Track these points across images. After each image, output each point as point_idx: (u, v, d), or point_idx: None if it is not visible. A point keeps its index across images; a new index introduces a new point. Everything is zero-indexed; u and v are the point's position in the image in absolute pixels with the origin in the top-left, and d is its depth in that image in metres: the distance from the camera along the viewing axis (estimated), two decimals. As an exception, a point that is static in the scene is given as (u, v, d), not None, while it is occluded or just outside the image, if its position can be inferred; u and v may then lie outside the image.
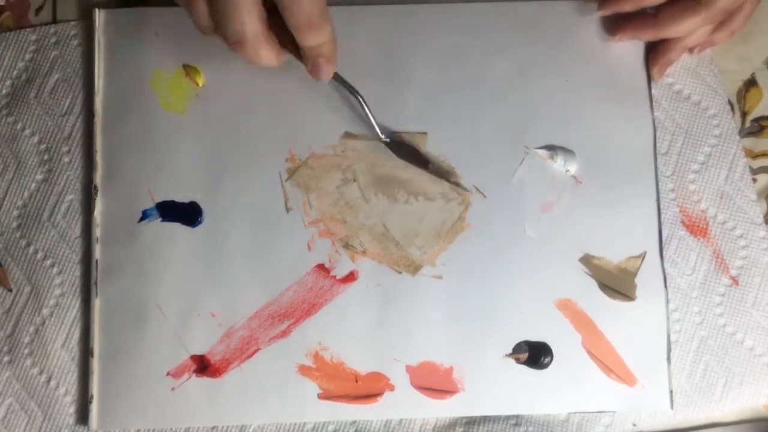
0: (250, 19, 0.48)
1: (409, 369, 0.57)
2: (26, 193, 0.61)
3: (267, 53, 0.51)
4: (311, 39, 0.50)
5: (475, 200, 0.59)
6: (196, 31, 0.51)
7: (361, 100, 0.57)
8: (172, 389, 0.58)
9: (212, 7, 0.49)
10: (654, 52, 0.59)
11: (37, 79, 0.61)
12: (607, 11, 0.59)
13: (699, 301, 0.58)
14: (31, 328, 0.59)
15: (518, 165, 0.59)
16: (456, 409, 0.57)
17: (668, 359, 0.57)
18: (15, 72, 0.62)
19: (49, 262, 0.60)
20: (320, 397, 0.57)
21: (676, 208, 0.59)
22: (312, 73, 0.53)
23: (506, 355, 0.57)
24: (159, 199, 0.59)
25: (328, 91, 0.59)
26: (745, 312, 0.58)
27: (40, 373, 0.59)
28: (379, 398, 0.57)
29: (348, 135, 0.59)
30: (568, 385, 0.57)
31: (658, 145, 0.59)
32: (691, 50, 0.60)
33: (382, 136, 0.59)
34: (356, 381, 0.57)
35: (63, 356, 0.59)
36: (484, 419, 0.58)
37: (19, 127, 0.61)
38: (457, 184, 0.59)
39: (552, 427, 0.58)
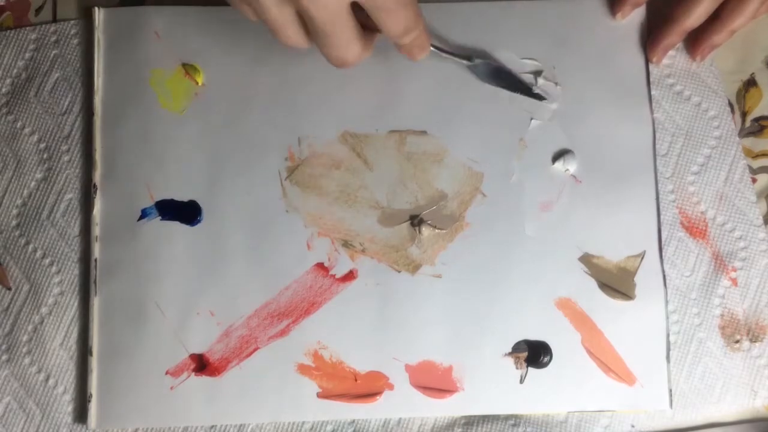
0: (352, 46, 0.49)
1: (408, 368, 0.57)
2: (25, 192, 0.61)
3: (363, 58, 0.51)
4: (407, 38, 0.51)
5: (475, 199, 0.59)
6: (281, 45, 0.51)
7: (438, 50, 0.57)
8: (171, 388, 0.58)
9: (312, 34, 0.48)
10: (653, 37, 0.60)
11: (37, 78, 0.62)
12: (661, 55, 0.60)
13: (698, 303, 0.58)
14: (30, 327, 0.59)
15: (518, 164, 0.59)
16: (455, 408, 0.57)
17: (667, 358, 0.57)
18: (15, 71, 0.62)
19: (48, 260, 0.60)
20: (319, 396, 0.57)
21: (675, 210, 0.59)
22: (408, 57, 0.54)
23: (506, 355, 0.57)
24: (158, 197, 0.59)
25: (328, 89, 0.59)
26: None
27: (39, 371, 0.59)
28: (378, 397, 0.57)
29: (348, 133, 0.60)
30: (568, 384, 0.57)
31: (657, 146, 0.59)
32: (694, 57, 0.60)
33: (464, 62, 0.59)
34: (355, 380, 0.57)
35: (62, 355, 0.59)
36: (483, 419, 0.58)
37: (18, 125, 0.61)
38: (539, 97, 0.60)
39: (551, 427, 0.57)
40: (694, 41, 0.59)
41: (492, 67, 0.60)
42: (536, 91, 0.59)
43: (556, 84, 0.60)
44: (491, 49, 0.60)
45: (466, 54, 0.59)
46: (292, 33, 0.48)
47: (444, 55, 0.58)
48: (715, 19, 0.58)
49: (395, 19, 0.48)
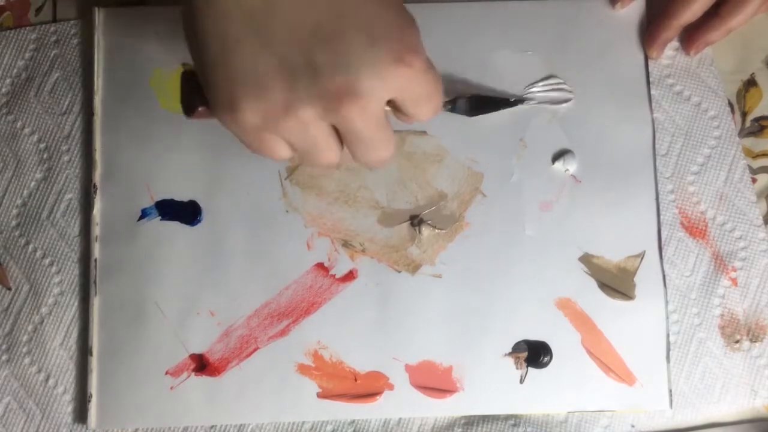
0: (390, 145, 0.45)
1: (408, 368, 0.57)
2: (25, 192, 0.61)
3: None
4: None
5: (475, 199, 0.59)
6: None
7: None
8: (171, 388, 0.58)
9: (350, 144, 0.44)
10: (650, 31, 0.60)
11: (37, 78, 0.62)
12: (659, 50, 0.60)
13: (698, 303, 0.58)
14: (30, 327, 0.59)
15: (518, 164, 0.59)
16: (455, 408, 0.57)
17: (667, 358, 0.57)
18: (15, 71, 0.62)
19: (48, 260, 0.60)
20: (319, 396, 0.57)
21: (675, 210, 0.59)
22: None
23: (506, 355, 0.57)
24: (158, 197, 0.59)
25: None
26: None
27: (39, 371, 0.59)
28: (378, 397, 0.57)
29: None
30: (568, 385, 0.57)
31: (657, 146, 0.59)
32: (687, 51, 0.60)
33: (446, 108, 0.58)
34: (355, 380, 0.57)
35: (61, 355, 0.59)
36: (483, 419, 0.58)
37: (18, 125, 0.61)
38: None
39: (550, 427, 0.57)
40: (690, 36, 0.60)
41: (470, 100, 0.59)
42: (522, 96, 0.59)
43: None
44: (481, 54, 0.60)
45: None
46: (331, 146, 0.44)
47: None
48: (713, 15, 0.58)
49: (429, 106, 0.45)
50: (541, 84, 0.60)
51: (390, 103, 0.44)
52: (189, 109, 0.45)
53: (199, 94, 0.44)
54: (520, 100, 0.59)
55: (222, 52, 0.40)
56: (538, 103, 0.59)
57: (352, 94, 0.40)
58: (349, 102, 0.40)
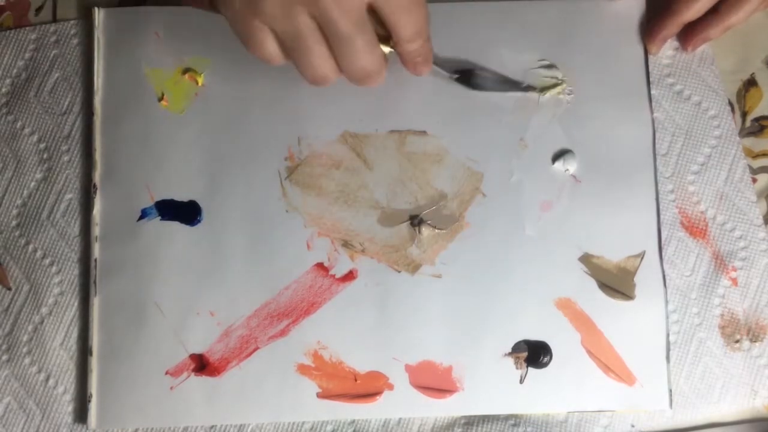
0: (375, 53, 0.49)
1: (408, 368, 0.57)
2: (25, 192, 0.61)
3: (383, 71, 0.51)
4: (414, 45, 0.51)
5: (475, 199, 0.59)
6: (308, 80, 0.51)
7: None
8: (171, 388, 0.58)
9: (333, 44, 0.48)
10: (651, 27, 0.60)
11: (37, 78, 0.62)
12: (659, 46, 0.60)
13: (698, 303, 0.58)
14: (30, 327, 0.59)
15: (517, 164, 0.59)
16: (455, 409, 0.57)
17: (667, 358, 0.57)
18: (15, 71, 0.62)
19: (48, 260, 0.60)
20: (319, 396, 0.57)
21: (675, 210, 0.59)
22: (411, 71, 0.55)
23: (506, 355, 0.57)
24: (158, 197, 0.59)
25: (328, 89, 0.59)
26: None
27: (39, 371, 0.59)
28: (378, 397, 0.57)
29: (347, 133, 0.60)
30: (568, 384, 0.57)
31: (657, 145, 0.59)
32: (685, 48, 0.60)
33: (447, 74, 0.59)
34: (355, 380, 0.57)
35: (62, 355, 0.59)
36: (483, 419, 0.58)
37: (18, 125, 0.61)
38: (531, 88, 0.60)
39: (550, 427, 0.57)
40: (688, 32, 0.59)
41: (478, 75, 0.60)
42: (526, 84, 0.60)
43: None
44: (481, 54, 0.60)
45: (452, 67, 0.59)
46: (320, 50, 0.48)
47: (436, 68, 0.58)
48: (712, 12, 0.58)
49: (408, 18, 0.49)
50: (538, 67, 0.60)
51: (373, 14, 0.47)
52: None
53: None
54: (531, 87, 0.59)
55: None
56: (541, 90, 0.59)
57: None
58: None
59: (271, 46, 0.49)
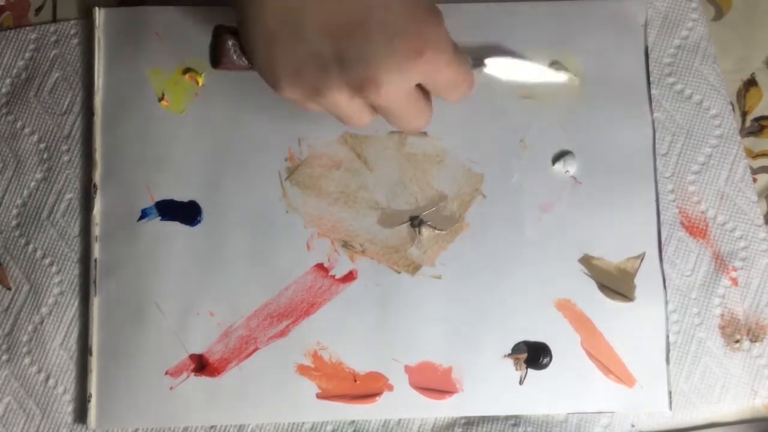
0: (424, 115, 0.52)
1: (407, 369, 0.57)
2: (25, 192, 0.61)
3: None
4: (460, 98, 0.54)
5: (475, 200, 0.59)
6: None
7: None
8: (171, 388, 0.58)
9: (386, 118, 0.51)
10: None
11: (37, 78, 0.62)
12: None
13: (698, 303, 0.58)
14: (30, 327, 0.59)
15: (518, 166, 0.59)
16: (455, 409, 0.57)
17: (667, 360, 0.57)
18: (15, 71, 0.62)
19: (48, 260, 0.60)
20: (319, 396, 0.57)
21: (676, 210, 0.59)
22: None
23: (505, 356, 0.57)
24: (158, 198, 0.59)
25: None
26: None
27: (39, 371, 0.59)
28: (377, 398, 0.57)
29: (348, 134, 0.59)
30: (567, 386, 0.57)
31: (658, 145, 0.59)
32: None
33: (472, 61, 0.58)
34: (355, 381, 0.57)
35: (61, 355, 0.59)
36: (483, 420, 0.58)
37: (18, 125, 0.61)
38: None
39: (550, 427, 0.57)
40: None
41: (505, 62, 0.59)
42: (554, 68, 0.60)
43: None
44: (482, 54, 0.60)
45: (479, 57, 0.59)
46: (365, 117, 0.51)
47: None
48: None
49: (456, 93, 0.52)
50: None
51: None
52: (215, 62, 0.51)
53: (224, 49, 0.51)
54: (558, 66, 0.60)
55: (264, 42, 0.47)
56: (551, 64, 0.60)
57: (372, 83, 0.46)
58: (369, 90, 0.47)
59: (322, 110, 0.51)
